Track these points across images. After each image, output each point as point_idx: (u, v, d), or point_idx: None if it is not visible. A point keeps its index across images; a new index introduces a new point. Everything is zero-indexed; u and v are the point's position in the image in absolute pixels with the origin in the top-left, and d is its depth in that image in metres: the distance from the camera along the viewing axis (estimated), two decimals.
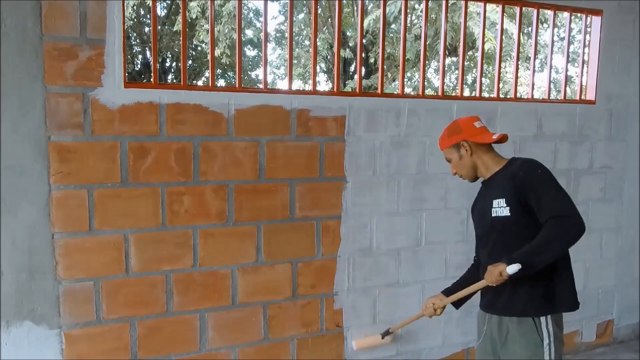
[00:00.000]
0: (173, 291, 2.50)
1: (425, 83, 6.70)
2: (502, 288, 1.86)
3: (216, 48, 11.07)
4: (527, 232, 1.80)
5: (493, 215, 1.90)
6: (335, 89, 2.99)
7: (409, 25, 10.90)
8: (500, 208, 1.87)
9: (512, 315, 1.89)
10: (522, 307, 1.87)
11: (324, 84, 14.33)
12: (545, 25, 10.83)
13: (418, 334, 3.10)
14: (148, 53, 12.40)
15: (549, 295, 1.85)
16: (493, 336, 1.98)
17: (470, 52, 12.18)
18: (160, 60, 12.63)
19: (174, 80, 12.85)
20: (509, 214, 1.84)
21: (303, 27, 13.32)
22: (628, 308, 3.83)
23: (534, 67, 3.43)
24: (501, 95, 4.83)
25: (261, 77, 6.02)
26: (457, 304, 2.13)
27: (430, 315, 2.14)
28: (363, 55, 9.50)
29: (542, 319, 1.85)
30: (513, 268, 1.71)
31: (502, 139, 1.96)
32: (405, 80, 10.93)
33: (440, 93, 3.14)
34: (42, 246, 2.24)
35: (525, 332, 1.86)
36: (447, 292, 2.15)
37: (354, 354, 2.92)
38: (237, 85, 2.63)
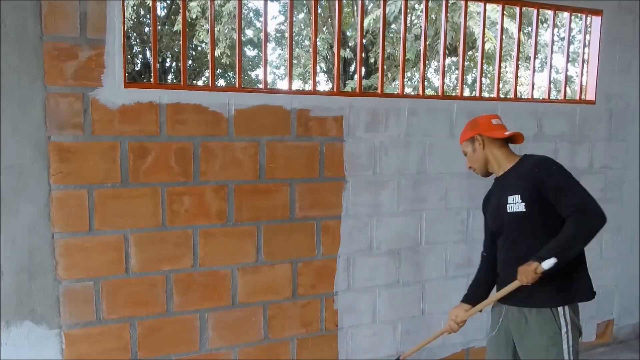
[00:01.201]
0: (173, 291, 2.50)
1: (425, 83, 6.70)
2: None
3: (216, 48, 11.07)
4: (543, 226, 1.89)
5: (509, 210, 1.96)
6: (335, 89, 2.99)
7: (409, 25, 10.90)
8: (515, 204, 1.93)
9: (531, 306, 1.94)
10: (542, 298, 1.91)
11: (324, 84, 14.33)
12: (545, 25, 10.84)
13: (418, 334, 3.10)
14: (148, 53, 12.40)
15: (567, 286, 1.92)
16: (509, 327, 2.03)
17: (470, 52, 12.19)
18: (160, 60, 12.63)
19: (174, 80, 12.85)
20: (525, 210, 1.91)
21: (303, 27, 13.32)
22: (628, 308, 3.83)
23: (534, 67, 3.43)
24: (501, 95, 4.83)
25: (261, 77, 6.02)
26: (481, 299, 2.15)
27: (450, 333, 2.19)
28: (363, 55, 9.50)
29: (560, 309, 1.91)
30: (549, 263, 1.77)
31: (516, 138, 2.04)
32: (405, 80, 10.94)
33: (440, 93, 3.14)
34: (42, 246, 2.24)
35: (544, 322, 1.91)
36: (468, 298, 2.17)
37: (351, 354, 2.92)
38: (237, 85, 2.63)
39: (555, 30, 6.74)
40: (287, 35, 4.16)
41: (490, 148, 2.05)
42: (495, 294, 2.06)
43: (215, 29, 10.77)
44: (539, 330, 1.92)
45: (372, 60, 12.18)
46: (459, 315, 2.14)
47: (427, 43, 3.20)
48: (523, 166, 1.98)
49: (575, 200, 1.83)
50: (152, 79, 2.55)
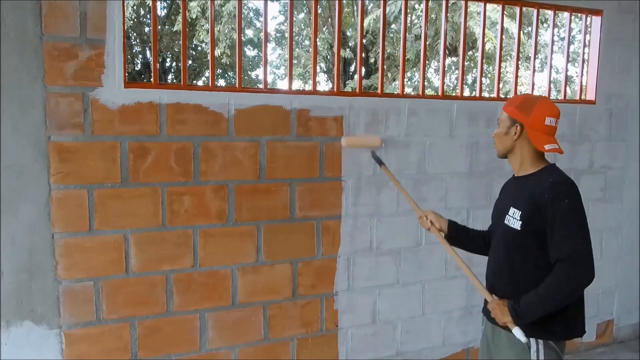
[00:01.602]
0: (173, 291, 2.50)
1: (425, 83, 6.70)
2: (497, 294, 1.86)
3: (216, 48, 11.07)
4: (532, 250, 1.76)
5: (505, 222, 1.84)
6: (335, 89, 2.99)
7: (409, 25, 10.90)
8: (513, 219, 1.80)
9: (502, 327, 1.84)
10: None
11: (324, 84, 14.34)
12: (545, 25, 10.84)
13: (418, 334, 3.10)
14: (148, 53, 12.40)
15: (547, 323, 1.76)
16: (488, 337, 1.98)
17: (470, 52, 12.19)
18: (160, 60, 12.64)
19: (174, 80, 12.86)
20: (519, 229, 1.77)
21: (303, 27, 13.32)
22: (628, 308, 3.83)
23: (534, 67, 3.43)
24: (501, 95, 4.83)
25: (261, 77, 6.02)
26: (450, 238, 2.10)
27: (420, 222, 2.14)
28: (363, 55, 9.50)
29: (532, 340, 1.78)
30: (519, 334, 1.69)
31: (556, 152, 1.84)
32: (405, 80, 10.94)
33: (440, 93, 3.14)
34: (42, 246, 2.24)
35: (514, 340, 1.78)
36: (454, 227, 2.11)
37: (351, 354, 2.92)
38: (237, 85, 2.63)
39: (555, 30, 6.74)
40: (287, 35, 4.16)
41: (522, 144, 1.83)
42: (472, 276, 1.96)
43: (215, 28, 10.77)
44: (508, 343, 1.82)
45: (372, 60, 12.18)
46: (435, 224, 2.09)
47: (427, 43, 3.20)
48: (541, 182, 1.77)
49: (566, 247, 1.65)
50: (152, 79, 2.55)
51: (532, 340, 1.78)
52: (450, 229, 2.12)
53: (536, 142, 1.80)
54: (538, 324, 1.75)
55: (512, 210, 1.81)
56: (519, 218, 1.77)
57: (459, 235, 2.13)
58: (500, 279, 1.90)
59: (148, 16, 11.45)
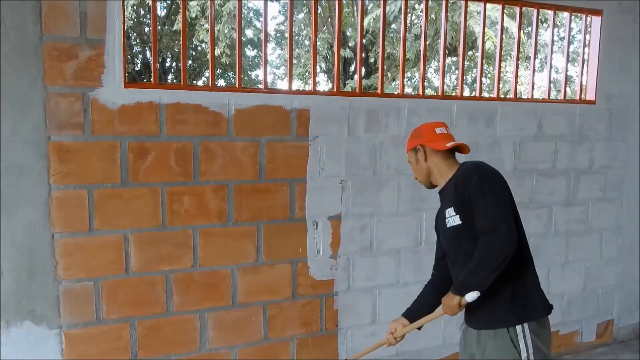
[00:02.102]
0: (173, 291, 2.50)
1: (425, 83, 6.70)
2: (470, 303, 1.81)
3: (216, 48, 11.07)
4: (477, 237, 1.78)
5: (448, 225, 1.87)
6: (335, 89, 2.99)
7: (409, 25, 10.90)
8: (452, 217, 1.84)
9: (487, 328, 1.82)
10: (495, 319, 1.80)
11: (324, 84, 14.33)
12: (545, 25, 10.84)
13: (418, 334, 3.10)
14: (148, 53, 12.40)
15: (517, 303, 1.79)
16: (471, 351, 1.91)
17: (470, 52, 12.19)
18: (160, 60, 12.64)
19: (174, 80, 12.86)
20: (460, 222, 1.81)
21: (303, 27, 13.32)
22: (628, 308, 3.83)
23: (534, 66, 3.43)
24: (501, 95, 4.83)
25: (261, 77, 6.02)
26: (422, 314, 2.11)
27: (389, 345, 2.17)
28: (363, 55, 9.50)
29: (518, 329, 1.77)
30: (472, 296, 1.70)
31: (461, 149, 1.93)
32: (405, 80, 10.94)
33: (440, 93, 3.14)
34: (42, 246, 2.24)
35: (502, 346, 1.78)
36: (409, 313, 2.13)
37: (351, 354, 2.92)
38: (237, 85, 2.63)
39: (555, 30, 6.74)
40: (287, 35, 4.17)
41: (433, 160, 1.94)
42: (428, 315, 2.00)
43: (215, 28, 10.76)
44: (497, 356, 1.79)
45: (372, 60, 12.18)
46: (397, 330, 2.11)
47: (427, 43, 3.20)
48: (456, 176, 1.87)
49: (484, 221, 1.70)
50: (152, 79, 2.55)
51: (522, 345, 1.77)
52: (416, 316, 2.11)
53: (438, 146, 1.91)
54: (510, 307, 1.78)
55: (447, 212, 1.87)
56: (454, 213, 1.83)
57: (424, 312, 2.09)
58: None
59: (148, 16, 11.44)
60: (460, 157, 1.99)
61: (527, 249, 1.88)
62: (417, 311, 2.12)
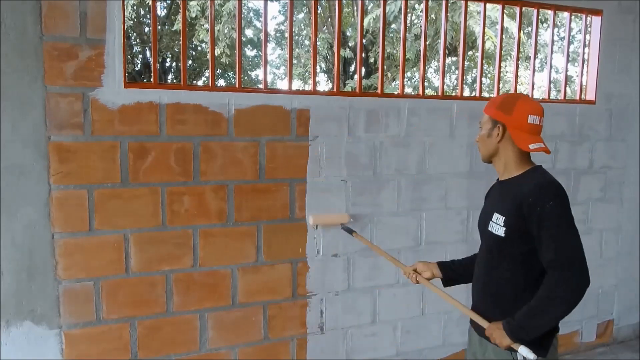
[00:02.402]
0: (173, 291, 2.50)
1: (425, 83, 6.70)
2: (483, 313, 1.78)
3: (216, 47, 11.07)
4: (516, 258, 1.69)
5: (489, 228, 1.76)
6: (335, 89, 2.99)
7: (409, 25, 10.91)
8: (497, 225, 1.72)
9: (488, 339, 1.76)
10: None
11: (324, 84, 14.33)
12: (545, 25, 10.84)
13: (418, 334, 3.10)
14: (148, 53, 12.40)
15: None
16: (474, 350, 1.89)
17: (470, 52, 12.19)
18: (160, 60, 12.64)
19: (174, 80, 12.86)
20: (502, 235, 1.69)
21: (303, 27, 13.32)
22: (628, 308, 3.83)
23: (534, 66, 3.43)
24: None
25: (261, 77, 6.02)
26: (446, 283, 2.05)
27: (407, 277, 2.08)
28: (363, 55, 9.50)
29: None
30: (526, 352, 1.56)
31: (544, 152, 1.74)
32: (405, 80, 10.94)
33: (440, 93, 3.14)
34: (42, 246, 2.24)
35: (502, 351, 1.70)
36: (444, 266, 2.04)
37: (351, 354, 2.92)
38: (237, 85, 2.63)
39: (555, 30, 6.74)
40: (287, 35, 4.16)
41: (505, 146, 1.73)
42: (460, 305, 1.91)
43: (215, 28, 10.76)
44: (494, 355, 1.74)
45: (372, 60, 12.18)
46: (424, 274, 2.02)
47: (427, 43, 3.20)
48: (525, 184, 1.68)
49: (559, 253, 1.56)
50: (152, 79, 2.55)
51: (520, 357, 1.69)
52: (445, 270, 2.04)
53: (520, 142, 1.70)
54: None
55: (495, 216, 1.73)
56: (502, 224, 1.69)
57: (455, 273, 2.03)
58: (485, 292, 1.83)
59: (148, 16, 11.45)
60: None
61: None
62: (452, 267, 2.03)
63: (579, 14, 3.54)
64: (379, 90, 2.96)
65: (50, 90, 2.20)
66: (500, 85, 3.47)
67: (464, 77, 5.62)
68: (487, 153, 1.80)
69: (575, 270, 1.57)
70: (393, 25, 11.65)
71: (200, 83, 12.62)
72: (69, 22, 2.20)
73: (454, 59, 12.36)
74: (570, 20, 3.48)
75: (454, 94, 4.03)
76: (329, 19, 12.46)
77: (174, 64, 13.21)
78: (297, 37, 13.51)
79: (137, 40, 12.45)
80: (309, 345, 2.82)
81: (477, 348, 1.87)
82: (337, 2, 2.88)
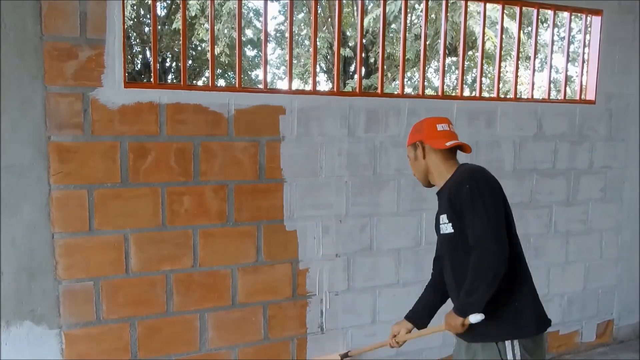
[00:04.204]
0: (173, 291, 2.50)
1: (425, 83, 6.70)
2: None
3: (216, 47, 11.07)
4: (468, 247, 1.73)
5: (441, 232, 1.85)
6: (335, 89, 2.99)
7: (409, 25, 10.90)
8: (445, 225, 1.80)
9: (476, 341, 1.79)
10: (483, 331, 1.74)
11: (324, 84, 14.33)
12: (545, 25, 10.84)
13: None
14: (148, 53, 12.40)
15: (508, 318, 1.74)
16: (461, 357, 1.90)
17: (470, 52, 12.19)
18: (160, 60, 12.63)
19: (174, 80, 12.85)
20: (452, 231, 1.76)
21: (303, 27, 13.32)
22: (628, 308, 3.83)
23: (534, 66, 3.43)
24: (501, 95, 4.83)
25: (261, 77, 6.02)
26: (422, 325, 2.10)
27: (391, 347, 2.16)
28: (363, 55, 9.50)
29: (507, 343, 1.72)
30: (476, 318, 1.67)
31: (463, 148, 1.87)
32: (405, 80, 10.94)
33: (440, 93, 3.14)
34: (42, 246, 2.24)
35: (490, 357, 1.75)
36: (411, 315, 2.12)
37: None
38: (237, 85, 2.63)
39: (555, 30, 6.74)
40: (287, 35, 4.16)
41: (431, 158, 1.87)
42: (432, 328, 1.99)
43: (215, 28, 10.76)
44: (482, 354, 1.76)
45: (372, 60, 12.18)
46: (400, 335, 2.10)
47: (427, 43, 3.20)
48: (452, 179, 1.80)
49: (474, 233, 1.65)
50: (152, 79, 2.55)
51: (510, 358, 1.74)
52: (414, 319, 2.11)
53: (437, 144, 1.84)
54: (502, 321, 1.73)
55: (441, 217, 1.83)
56: (447, 221, 1.78)
57: (422, 312, 2.10)
58: (454, 288, 1.86)
59: (148, 16, 11.44)
60: (461, 157, 1.98)
61: (522, 262, 1.80)
62: (419, 312, 2.11)
63: (579, 14, 3.54)
64: (379, 90, 2.96)
65: (50, 90, 2.20)
66: (500, 85, 3.47)
67: (464, 77, 5.62)
68: (423, 174, 1.94)
69: (486, 247, 1.63)
70: (393, 25, 11.65)
71: (200, 83, 12.62)
72: (68, 22, 2.20)
73: (454, 59, 12.36)
74: (570, 20, 3.49)
75: (454, 94, 4.03)
76: (329, 19, 12.46)
77: (174, 63, 13.20)
78: (297, 37, 13.50)
79: (137, 40, 12.44)
80: (309, 345, 2.82)
81: (464, 355, 1.88)
82: (337, 2, 2.88)
